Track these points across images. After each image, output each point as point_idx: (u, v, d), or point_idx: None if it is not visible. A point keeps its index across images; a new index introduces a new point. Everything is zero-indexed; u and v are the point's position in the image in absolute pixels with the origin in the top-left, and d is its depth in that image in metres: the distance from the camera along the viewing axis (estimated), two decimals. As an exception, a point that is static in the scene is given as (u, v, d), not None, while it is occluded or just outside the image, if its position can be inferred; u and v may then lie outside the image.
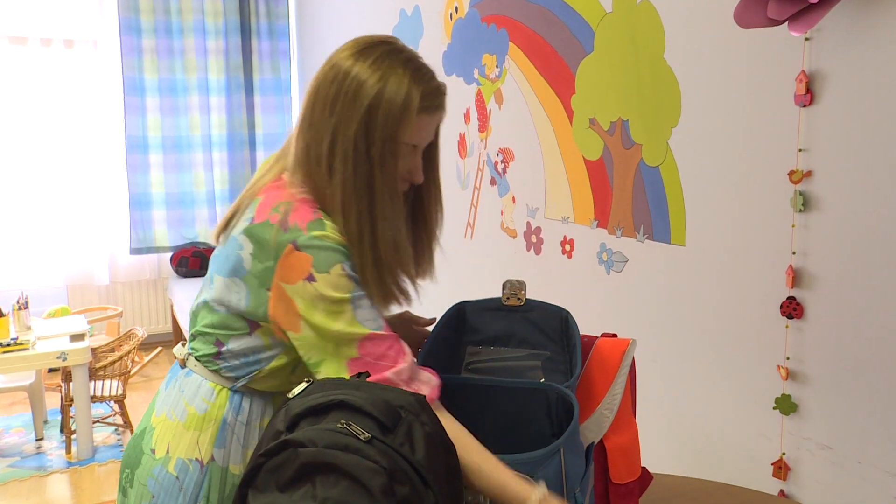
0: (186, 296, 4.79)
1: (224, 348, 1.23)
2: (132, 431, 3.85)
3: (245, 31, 5.35)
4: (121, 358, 3.74)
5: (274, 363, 1.22)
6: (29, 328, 3.81)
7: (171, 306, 5.30)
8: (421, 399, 0.97)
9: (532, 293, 2.76)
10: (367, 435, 0.89)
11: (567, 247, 2.47)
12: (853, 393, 1.54)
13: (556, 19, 2.43)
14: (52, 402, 4.51)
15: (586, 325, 2.43)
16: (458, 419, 1.20)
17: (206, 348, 1.25)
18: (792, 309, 1.64)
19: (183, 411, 1.26)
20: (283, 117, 5.56)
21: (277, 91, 5.51)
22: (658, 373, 2.08)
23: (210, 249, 4.82)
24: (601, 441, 1.21)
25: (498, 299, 1.32)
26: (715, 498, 1.45)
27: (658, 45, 1.98)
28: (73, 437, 3.79)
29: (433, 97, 1.15)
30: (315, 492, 0.87)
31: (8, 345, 3.50)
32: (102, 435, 4.01)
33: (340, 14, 4.45)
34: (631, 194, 2.14)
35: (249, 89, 5.42)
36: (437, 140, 1.26)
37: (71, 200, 5.16)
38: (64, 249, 5.18)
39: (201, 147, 5.36)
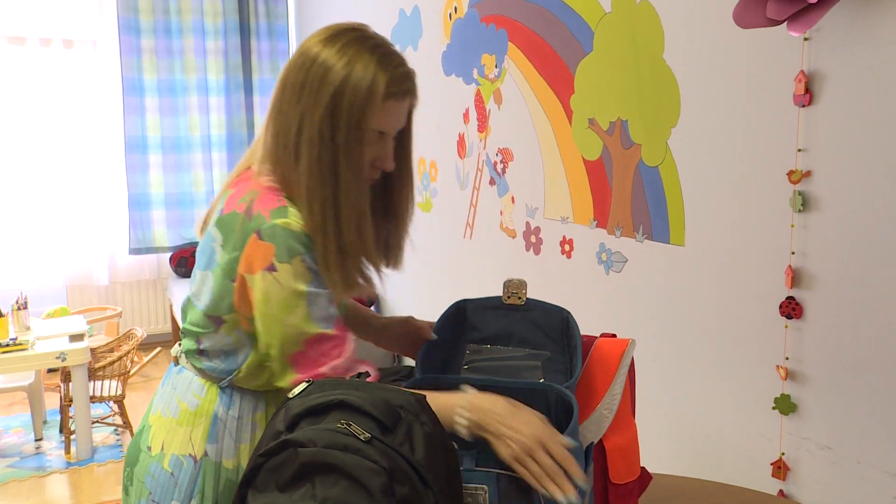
0: (186, 296, 4.79)
1: (202, 346, 1.25)
2: (131, 432, 3.85)
3: (244, 32, 5.35)
4: (120, 358, 3.74)
5: (250, 360, 1.23)
6: (28, 328, 3.80)
7: (171, 306, 5.30)
8: (421, 399, 0.97)
9: (531, 293, 2.76)
10: (367, 435, 0.89)
11: (566, 247, 2.47)
12: (852, 393, 1.54)
13: (555, 19, 2.43)
14: (52, 402, 4.51)
15: (585, 325, 2.43)
16: None
17: (192, 345, 1.27)
18: (791, 309, 1.64)
19: (176, 408, 1.28)
20: (283, 117, 5.55)
21: (277, 91, 5.51)
22: (657, 373, 2.08)
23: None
24: (600, 441, 1.21)
25: (499, 298, 1.32)
26: (714, 498, 1.45)
27: (657, 45, 1.98)
28: (73, 437, 3.79)
29: (400, 83, 1.15)
30: (315, 492, 0.87)
31: (7, 345, 3.49)
32: (102, 435, 4.00)
33: (339, 14, 4.45)
34: (630, 194, 2.14)
35: (249, 89, 5.42)
36: (409, 127, 1.25)
37: (70, 200, 5.16)
38: (63, 249, 5.18)
39: (200, 147, 5.36)
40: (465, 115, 3.09)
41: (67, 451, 3.75)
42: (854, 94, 1.48)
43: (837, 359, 1.56)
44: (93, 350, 3.79)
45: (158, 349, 4.08)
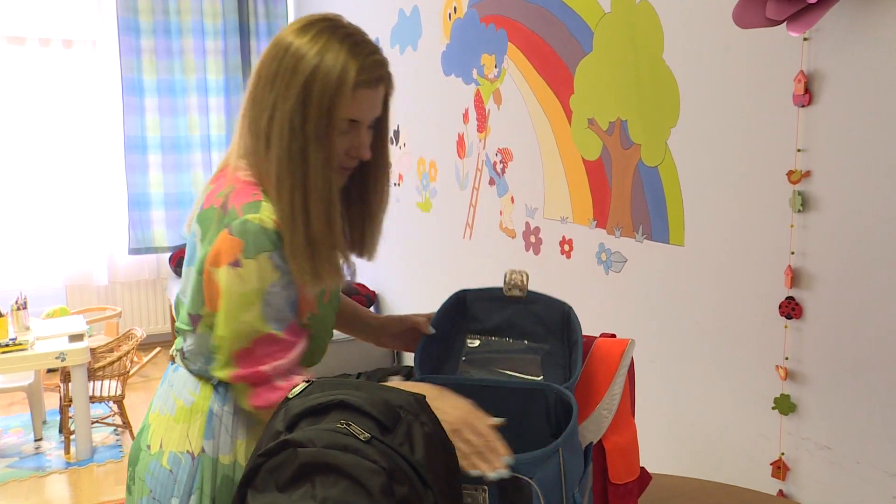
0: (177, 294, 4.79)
1: (185, 346, 1.26)
2: (131, 432, 3.85)
3: (244, 32, 5.35)
4: (120, 358, 3.74)
5: None
6: (28, 328, 3.80)
7: (170, 306, 5.30)
8: (421, 399, 0.97)
9: (531, 293, 2.76)
10: (367, 435, 0.89)
11: (566, 247, 2.47)
12: (852, 393, 1.54)
13: (554, 19, 2.43)
14: (51, 402, 4.51)
15: (585, 325, 2.42)
16: None
17: (181, 344, 1.29)
18: (791, 309, 1.64)
19: (172, 405, 1.29)
20: (282, 117, 5.56)
21: (276, 91, 5.51)
22: (657, 373, 2.08)
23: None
24: (600, 441, 1.21)
25: (500, 289, 1.30)
26: (714, 498, 1.45)
27: (657, 45, 1.98)
28: (72, 437, 3.79)
29: (370, 70, 1.14)
30: (314, 492, 0.87)
31: (7, 345, 3.49)
32: (101, 435, 4.00)
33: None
34: (630, 194, 2.14)
35: (248, 90, 5.42)
36: (385, 115, 1.25)
37: (70, 201, 5.16)
38: (63, 250, 5.18)
39: (200, 147, 5.36)
40: (465, 116, 3.09)
41: (67, 451, 3.75)
42: (854, 94, 1.48)
43: (837, 359, 1.56)
44: (92, 350, 3.79)
45: (158, 349, 4.08)
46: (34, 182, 5.07)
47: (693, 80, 1.88)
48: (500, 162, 2.84)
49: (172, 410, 1.28)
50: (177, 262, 5.32)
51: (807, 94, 1.57)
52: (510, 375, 1.30)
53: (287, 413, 0.96)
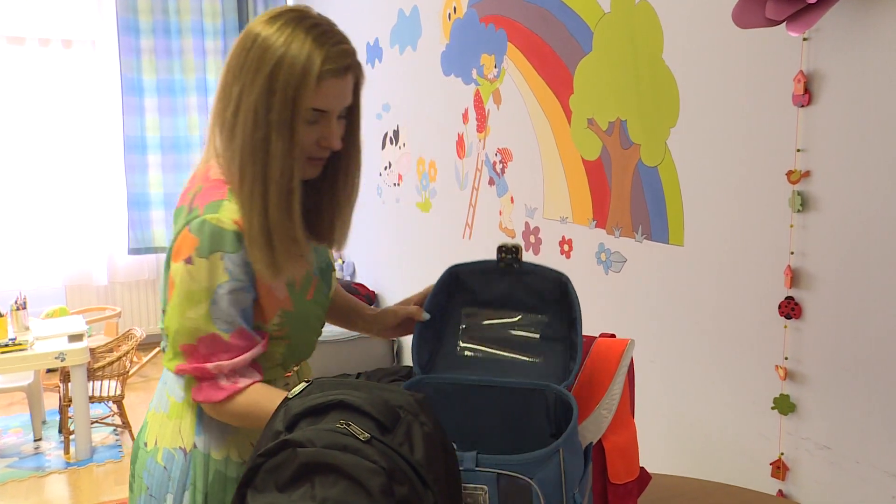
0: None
1: (164, 343, 1.26)
2: (130, 432, 3.85)
3: (243, 32, 5.34)
4: (119, 358, 3.73)
5: None
6: (27, 328, 3.80)
7: (170, 306, 5.29)
8: (420, 399, 0.97)
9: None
10: (367, 435, 0.88)
11: (565, 247, 2.47)
12: (852, 393, 1.54)
13: (554, 19, 2.43)
14: (51, 402, 4.51)
15: (585, 326, 2.43)
16: (457, 418, 1.20)
17: (164, 341, 1.29)
18: (790, 309, 1.64)
19: (166, 402, 1.30)
20: (282, 117, 5.56)
21: (276, 91, 5.51)
22: (657, 373, 2.08)
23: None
24: (599, 441, 1.21)
25: (492, 262, 1.27)
26: (714, 498, 1.45)
27: (656, 45, 1.98)
28: (72, 437, 3.79)
29: (337, 59, 1.13)
30: (314, 492, 0.87)
31: (6, 345, 3.49)
32: (101, 435, 4.00)
33: (338, 15, 4.45)
34: (629, 194, 2.14)
35: (248, 90, 5.42)
36: (357, 105, 1.25)
37: (69, 201, 5.16)
38: (62, 250, 5.17)
39: (200, 147, 5.36)
40: (465, 116, 3.09)
41: (66, 451, 3.74)
42: (853, 94, 1.48)
43: (836, 359, 1.56)
44: (92, 350, 3.79)
45: (158, 349, 4.07)
46: (34, 182, 5.06)
47: (693, 80, 1.88)
48: (500, 162, 2.84)
49: (166, 407, 1.29)
50: (176, 262, 5.31)
51: (806, 94, 1.57)
52: (510, 356, 1.27)
53: (287, 413, 0.96)
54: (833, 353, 1.57)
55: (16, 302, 3.82)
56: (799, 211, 1.61)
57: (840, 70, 1.51)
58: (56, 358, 3.54)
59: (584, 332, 1.26)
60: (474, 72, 2.98)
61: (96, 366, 3.71)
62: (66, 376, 3.76)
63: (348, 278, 4.57)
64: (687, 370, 1.98)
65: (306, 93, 1.12)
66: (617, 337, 1.29)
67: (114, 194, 5.23)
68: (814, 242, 1.59)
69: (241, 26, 5.31)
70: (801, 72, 1.57)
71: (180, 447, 1.27)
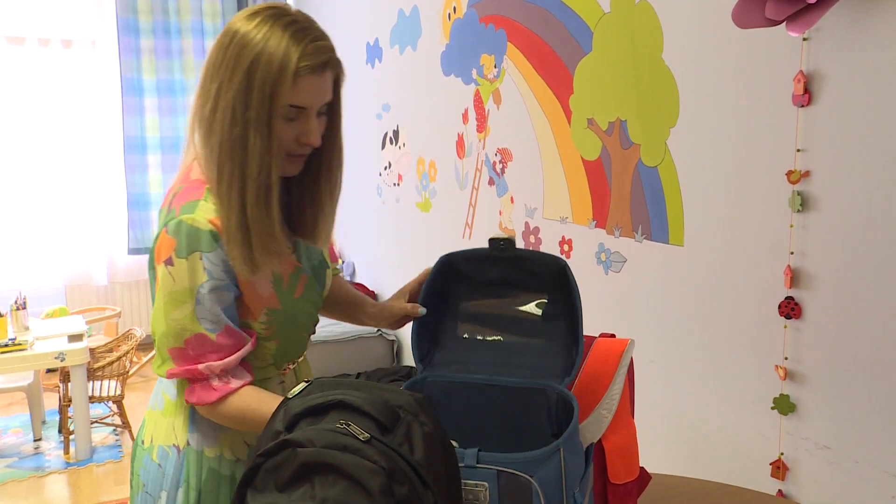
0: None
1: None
2: (130, 432, 3.85)
3: (243, 32, 5.34)
4: (119, 358, 3.73)
5: None
6: (27, 328, 3.80)
7: (170, 306, 5.29)
8: (420, 399, 0.97)
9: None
10: (366, 435, 0.88)
11: (565, 247, 2.47)
12: (851, 393, 1.54)
13: (554, 19, 2.43)
14: (51, 402, 4.51)
15: (585, 325, 2.43)
16: (459, 417, 1.20)
17: None
18: (790, 309, 1.64)
19: (161, 400, 1.31)
20: (282, 117, 5.56)
21: (276, 91, 5.51)
22: (656, 373, 2.08)
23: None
24: (599, 441, 1.21)
25: (486, 249, 1.25)
26: (713, 498, 1.45)
27: (656, 45, 1.98)
28: (72, 437, 3.79)
29: (313, 56, 1.13)
30: (314, 492, 0.87)
31: (6, 345, 3.49)
32: (101, 435, 4.00)
33: (338, 15, 4.45)
34: (629, 194, 2.14)
35: (247, 90, 5.42)
36: (338, 101, 1.24)
37: (69, 201, 5.16)
38: (62, 250, 5.17)
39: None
40: (465, 116, 3.09)
41: (66, 451, 3.74)
42: (853, 94, 1.48)
43: (836, 359, 1.56)
44: (92, 350, 3.79)
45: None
46: (34, 182, 5.06)
47: (692, 80, 1.88)
48: (500, 162, 2.84)
49: (161, 405, 1.30)
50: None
51: (806, 94, 1.57)
52: (512, 339, 1.25)
53: (286, 413, 0.96)
54: (833, 353, 1.57)
55: (16, 302, 3.82)
56: (799, 211, 1.61)
57: (840, 70, 1.51)
58: (56, 358, 3.54)
59: (584, 333, 1.26)
60: (474, 72, 2.98)
61: (96, 366, 3.71)
62: (65, 376, 3.76)
63: (348, 278, 4.57)
64: (687, 370, 1.98)
65: (283, 89, 1.12)
66: (617, 337, 1.29)
67: (114, 194, 5.23)
68: (814, 242, 1.59)
69: (240, 26, 5.30)
70: (801, 72, 1.57)
71: (174, 444, 1.28)
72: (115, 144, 5.17)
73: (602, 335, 1.29)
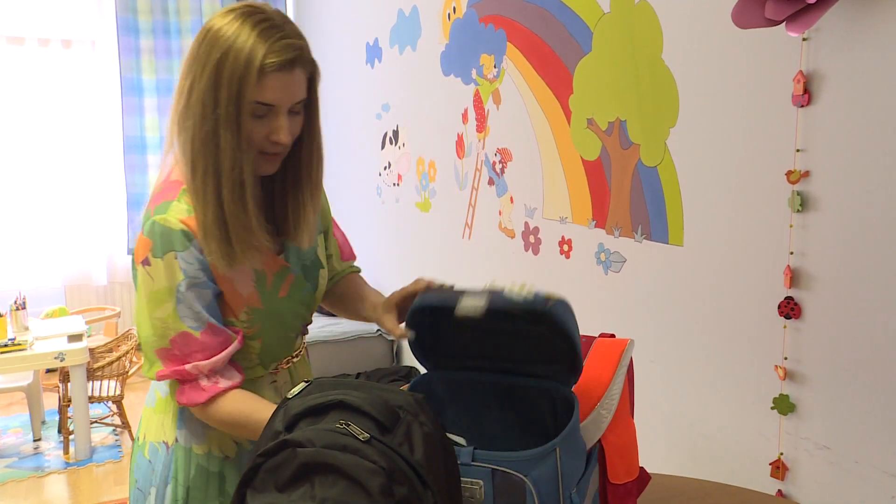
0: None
1: None
2: (130, 432, 3.85)
3: (243, 32, 5.34)
4: (119, 358, 3.73)
5: None
6: (27, 328, 3.80)
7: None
8: (420, 399, 0.97)
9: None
10: (366, 435, 0.88)
11: (565, 247, 2.47)
12: (851, 393, 1.54)
13: (554, 19, 2.43)
14: (50, 402, 4.51)
15: (584, 326, 2.43)
16: (464, 416, 1.20)
17: None
18: (790, 309, 1.64)
19: (153, 397, 1.33)
20: (281, 117, 5.56)
21: (275, 91, 5.51)
22: (656, 373, 2.08)
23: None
24: (599, 441, 1.21)
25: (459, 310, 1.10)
26: (713, 498, 1.45)
27: (656, 45, 1.98)
28: (71, 437, 3.79)
29: (280, 53, 1.12)
30: (314, 492, 0.87)
31: (6, 345, 3.49)
32: (100, 435, 4.00)
33: (338, 15, 4.45)
34: (629, 194, 2.14)
35: (247, 90, 5.42)
36: (314, 100, 1.23)
37: (69, 201, 5.15)
38: (62, 250, 5.17)
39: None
40: (464, 116, 3.09)
41: (66, 451, 3.74)
42: (853, 94, 1.49)
43: (836, 359, 1.56)
44: (91, 350, 3.79)
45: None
46: (33, 182, 5.06)
47: (692, 80, 1.88)
48: (500, 162, 2.84)
49: (153, 402, 1.32)
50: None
51: (806, 94, 1.57)
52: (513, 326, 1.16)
53: (286, 413, 0.96)
54: (832, 353, 1.57)
55: (15, 302, 3.82)
56: (798, 211, 1.61)
57: (839, 70, 1.51)
58: (55, 358, 3.54)
59: (584, 333, 1.26)
60: (474, 72, 2.98)
61: (96, 366, 3.71)
62: (65, 376, 3.76)
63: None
64: (686, 370, 1.98)
65: (249, 86, 1.11)
66: (616, 337, 1.29)
67: (114, 194, 5.23)
68: (813, 242, 1.59)
69: (240, 26, 5.30)
70: (801, 72, 1.57)
71: (164, 441, 1.29)
72: (114, 144, 5.17)
73: (602, 335, 1.29)
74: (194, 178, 1.16)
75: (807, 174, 1.59)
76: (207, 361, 1.17)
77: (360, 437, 0.88)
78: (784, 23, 1.42)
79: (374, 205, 4.12)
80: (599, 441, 1.21)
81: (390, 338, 3.96)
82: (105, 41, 5.10)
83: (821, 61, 1.54)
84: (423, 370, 1.25)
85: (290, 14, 5.49)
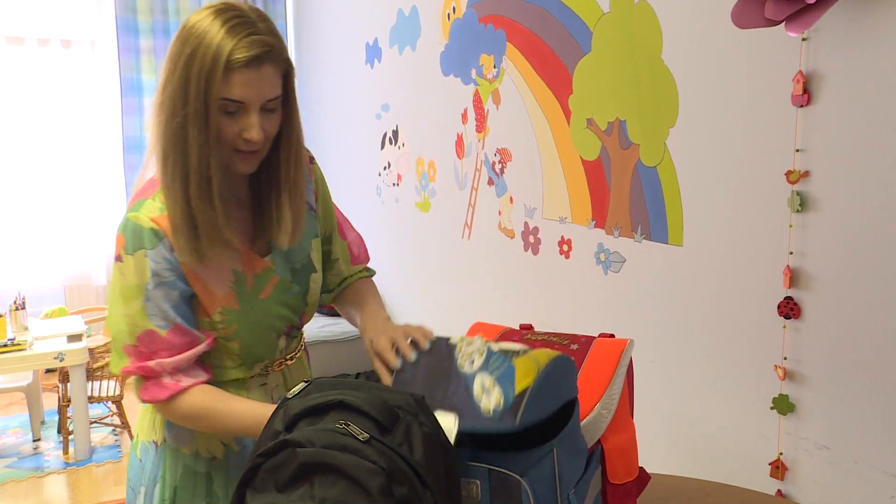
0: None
1: None
2: (129, 432, 3.85)
3: (243, 32, 5.33)
4: (118, 358, 3.73)
5: None
6: (26, 329, 3.80)
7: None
8: (420, 399, 0.97)
9: (530, 294, 2.77)
10: (366, 435, 0.88)
11: (565, 247, 2.47)
12: (851, 393, 1.54)
13: (553, 19, 2.43)
14: (50, 402, 4.50)
15: (584, 325, 2.43)
16: None
17: None
18: (789, 309, 1.64)
19: None
20: (281, 117, 5.56)
21: (275, 91, 5.50)
22: (656, 373, 2.08)
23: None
24: (599, 441, 1.21)
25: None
26: (713, 498, 1.45)
27: (655, 45, 1.98)
28: (71, 437, 3.79)
29: (247, 49, 1.11)
30: (313, 492, 0.87)
31: (5, 345, 3.49)
32: (100, 435, 4.00)
33: (338, 14, 4.45)
34: (628, 194, 2.14)
35: (247, 89, 5.41)
36: (290, 97, 1.22)
37: (68, 201, 5.15)
38: (61, 250, 5.17)
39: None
40: (464, 116, 3.09)
41: (66, 451, 3.74)
42: (852, 94, 1.49)
43: (836, 359, 1.57)
44: (91, 350, 3.79)
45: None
46: (33, 182, 5.06)
47: (692, 80, 1.88)
48: (499, 162, 2.84)
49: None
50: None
51: (805, 94, 1.57)
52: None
53: (286, 413, 0.96)
54: (832, 353, 1.57)
55: (15, 302, 3.82)
56: (798, 211, 1.61)
57: (839, 70, 1.51)
58: (55, 358, 3.54)
59: (583, 333, 1.26)
60: (473, 72, 2.98)
61: (95, 366, 3.71)
62: (65, 376, 3.76)
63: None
64: (686, 370, 1.98)
65: (215, 83, 1.11)
66: (616, 337, 1.29)
67: (113, 194, 5.23)
68: (813, 242, 1.59)
69: (240, 26, 5.30)
70: (801, 72, 1.57)
71: (153, 441, 1.30)
72: (114, 144, 5.17)
73: (601, 335, 1.29)
74: (164, 173, 1.17)
75: (806, 174, 1.59)
76: (171, 359, 1.18)
77: (360, 437, 0.88)
78: (784, 23, 1.42)
79: (373, 205, 4.12)
80: (600, 442, 1.21)
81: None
82: (105, 41, 5.10)
83: (820, 61, 1.54)
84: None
85: (290, 14, 5.48)
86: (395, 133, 3.83)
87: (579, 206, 2.38)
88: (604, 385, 1.20)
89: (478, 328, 1.40)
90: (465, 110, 3.07)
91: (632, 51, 2.07)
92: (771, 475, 1.72)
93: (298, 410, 0.95)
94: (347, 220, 1.51)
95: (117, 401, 3.78)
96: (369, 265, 1.54)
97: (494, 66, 2.82)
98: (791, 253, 1.64)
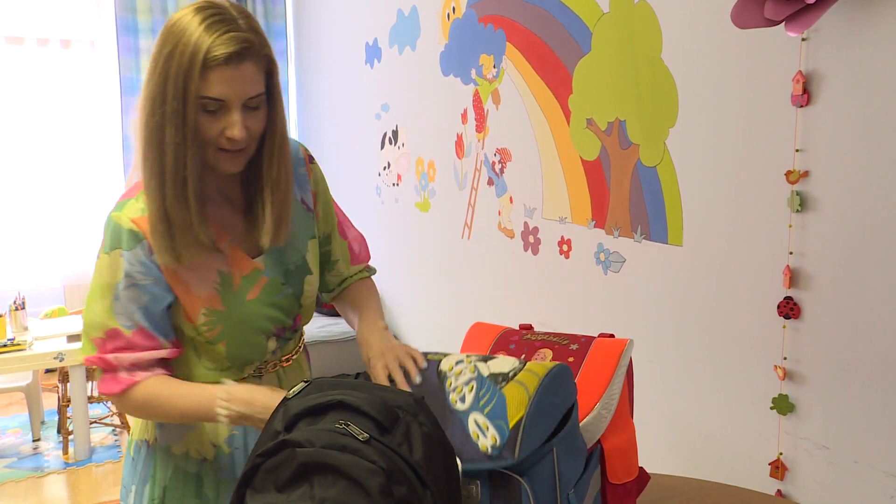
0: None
1: None
2: (129, 432, 3.85)
3: (242, 32, 5.33)
4: (118, 358, 3.73)
5: None
6: (26, 329, 3.80)
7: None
8: (419, 399, 0.97)
9: (530, 294, 2.77)
10: (366, 435, 0.88)
11: (564, 247, 2.47)
12: (850, 393, 1.54)
13: (553, 19, 2.43)
14: (50, 402, 4.50)
15: (584, 325, 2.44)
16: None
17: None
18: (789, 309, 1.64)
19: None
20: (281, 117, 5.55)
21: (275, 91, 5.50)
22: (656, 373, 2.08)
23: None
24: (598, 441, 1.21)
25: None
26: (712, 498, 1.46)
27: (655, 45, 1.98)
28: (70, 437, 3.78)
29: (224, 46, 1.10)
30: (313, 492, 0.87)
31: (5, 345, 3.49)
32: (100, 435, 4.00)
33: (337, 14, 4.45)
34: (628, 194, 2.14)
35: (246, 89, 5.41)
36: (276, 94, 1.21)
37: (68, 201, 5.15)
38: (61, 250, 5.17)
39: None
40: (464, 116, 3.09)
41: (65, 451, 3.74)
42: (852, 94, 1.49)
43: (835, 359, 1.57)
44: (91, 350, 3.78)
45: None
46: (32, 182, 5.06)
47: (692, 80, 1.88)
48: (499, 162, 2.84)
49: None
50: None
51: (805, 94, 1.57)
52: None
53: (286, 413, 0.96)
54: (832, 353, 1.57)
55: (14, 302, 3.82)
56: (798, 211, 1.61)
57: (839, 70, 1.51)
58: (55, 358, 3.54)
59: (583, 333, 1.26)
60: (473, 72, 2.98)
61: (95, 366, 3.70)
62: (64, 376, 3.76)
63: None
64: (686, 370, 1.98)
65: (193, 81, 1.11)
66: (616, 337, 1.29)
67: (113, 194, 5.22)
68: (813, 242, 1.59)
69: (239, 26, 5.30)
70: (800, 72, 1.57)
71: (145, 439, 1.31)
72: (114, 144, 5.17)
73: (601, 335, 1.29)
74: (144, 171, 1.17)
75: (806, 174, 1.59)
76: (130, 355, 1.19)
77: (360, 438, 0.88)
78: (783, 23, 1.42)
79: (373, 205, 4.12)
80: (600, 442, 1.21)
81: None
82: (104, 41, 5.10)
83: (820, 61, 1.54)
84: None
85: (289, 14, 5.48)
86: (395, 133, 3.83)
87: (579, 206, 2.39)
88: (603, 385, 1.20)
89: (478, 328, 1.40)
90: (465, 110, 3.07)
91: (631, 51, 2.07)
92: (771, 475, 1.72)
93: (298, 410, 0.95)
94: (348, 219, 1.50)
95: (117, 401, 3.78)
96: (370, 264, 1.53)
97: (494, 66, 2.82)
98: (791, 253, 1.64)
